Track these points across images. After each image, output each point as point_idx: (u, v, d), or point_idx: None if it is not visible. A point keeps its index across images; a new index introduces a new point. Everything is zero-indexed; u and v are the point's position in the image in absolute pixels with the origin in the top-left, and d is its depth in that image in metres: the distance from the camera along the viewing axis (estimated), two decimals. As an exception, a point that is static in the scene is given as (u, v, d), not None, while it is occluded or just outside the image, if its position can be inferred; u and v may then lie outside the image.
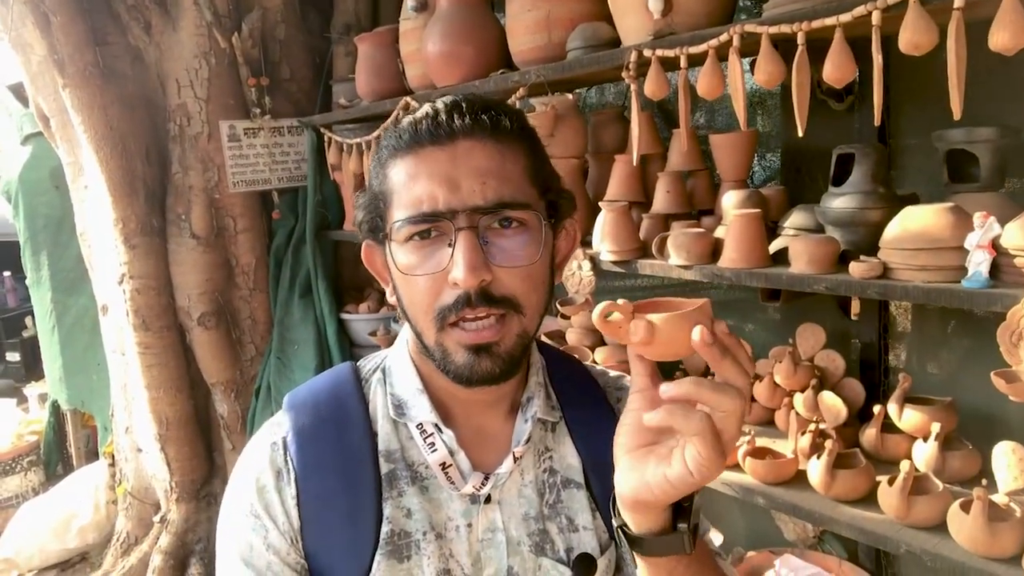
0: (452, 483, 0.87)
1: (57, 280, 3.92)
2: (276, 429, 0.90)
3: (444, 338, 0.81)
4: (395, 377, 0.92)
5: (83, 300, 3.76)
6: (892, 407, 1.66)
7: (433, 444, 0.87)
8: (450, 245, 0.78)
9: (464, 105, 0.81)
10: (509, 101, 2.08)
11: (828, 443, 1.58)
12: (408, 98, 2.43)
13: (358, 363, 0.98)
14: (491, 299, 0.78)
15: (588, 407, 0.96)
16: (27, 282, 4.08)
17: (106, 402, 3.61)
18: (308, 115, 3.11)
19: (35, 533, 3.57)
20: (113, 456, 3.56)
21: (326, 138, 2.90)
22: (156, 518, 3.24)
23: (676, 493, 0.68)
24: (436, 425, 0.88)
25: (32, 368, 5.84)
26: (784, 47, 1.47)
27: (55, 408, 4.25)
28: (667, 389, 0.66)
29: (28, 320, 5.85)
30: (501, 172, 0.79)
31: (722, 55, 1.57)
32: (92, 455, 4.20)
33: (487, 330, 0.79)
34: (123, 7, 2.91)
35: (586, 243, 2.06)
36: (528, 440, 0.90)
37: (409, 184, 0.80)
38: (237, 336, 3.17)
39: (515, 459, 0.88)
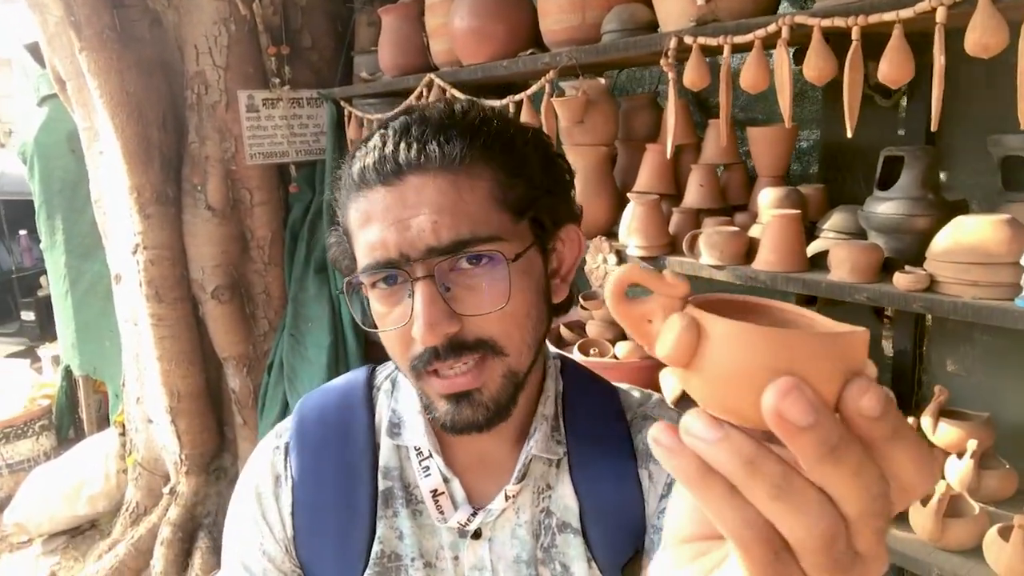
0: (441, 513, 0.82)
1: (72, 245, 3.88)
2: (282, 434, 0.88)
3: (424, 386, 0.76)
4: (401, 392, 0.87)
5: (97, 266, 3.72)
6: (926, 420, 1.60)
7: (428, 468, 0.83)
8: (410, 296, 0.71)
9: (414, 130, 0.72)
10: (538, 83, 2.00)
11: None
12: (432, 75, 2.35)
13: (376, 368, 0.94)
14: (462, 346, 0.71)
15: (601, 444, 0.86)
16: (41, 246, 4.05)
17: (118, 370, 3.59)
18: (328, 86, 3.03)
19: (46, 499, 3.58)
20: (123, 425, 3.54)
21: (346, 112, 2.83)
22: (165, 490, 3.23)
23: None
24: (430, 450, 0.83)
25: (47, 328, 5.84)
26: (834, 40, 1.39)
27: (67, 373, 4.24)
28: (690, 438, 0.34)
29: (43, 280, 5.83)
30: (456, 208, 0.70)
31: (767, 45, 1.49)
32: (104, 421, 4.20)
33: (463, 377, 0.72)
34: (142, -32, 2.84)
35: (612, 235, 1.99)
36: (523, 478, 0.83)
37: (363, 227, 0.73)
38: (251, 311, 3.13)
39: (507, 498, 0.82)
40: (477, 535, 0.83)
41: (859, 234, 1.56)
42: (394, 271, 0.71)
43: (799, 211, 1.57)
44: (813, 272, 1.53)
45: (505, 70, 2.11)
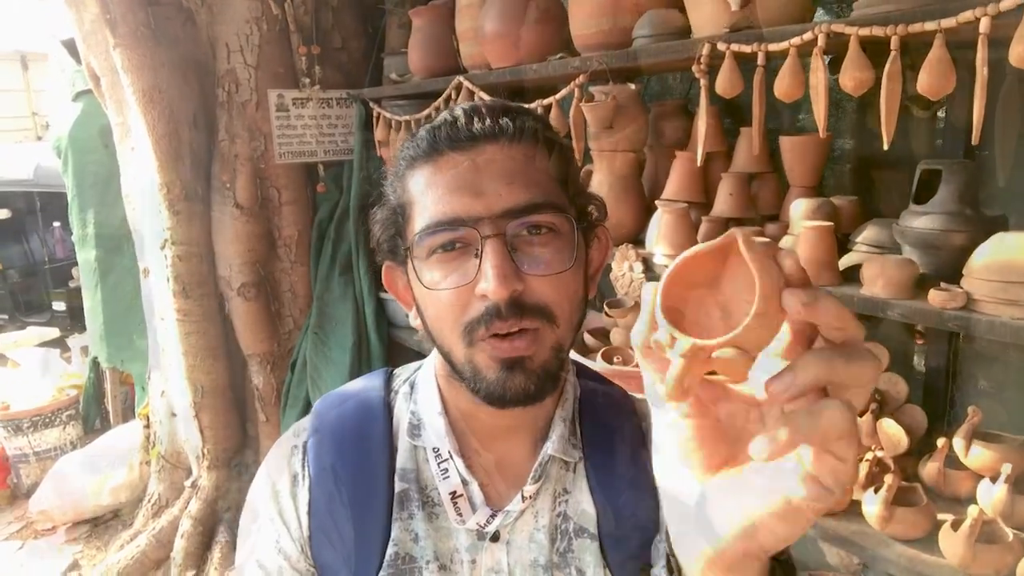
0: (459, 515, 0.82)
1: (102, 239, 3.94)
2: (300, 433, 0.89)
3: (474, 354, 0.74)
4: (419, 394, 0.88)
5: (126, 260, 3.76)
6: (958, 442, 1.55)
7: (447, 471, 0.83)
8: (476, 256, 0.72)
9: (484, 109, 0.77)
10: (568, 88, 1.98)
11: (888, 478, 1.48)
12: (461, 78, 2.34)
13: (394, 371, 0.94)
14: (523, 309, 0.72)
15: (616, 449, 0.86)
16: (73, 238, 4.11)
17: (144, 363, 3.63)
18: (358, 87, 3.04)
19: (70, 488, 3.62)
20: (148, 418, 3.58)
21: (375, 113, 2.83)
22: (187, 483, 3.25)
23: (797, 530, 0.46)
24: (449, 451, 0.83)
25: (77, 318, 5.92)
26: (871, 48, 1.35)
27: (95, 364, 4.30)
28: (784, 386, 0.43)
29: (75, 271, 5.92)
30: (527, 175, 0.74)
31: (802, 53, 1.46)
32: (129, 412, 4.25)
33: (520, 341, 0.72)
34: (177, -34, 2.86)
35: (639, 242, 1.96)
36: (540, 478, 0.83)
37: (429, 193, 0.75)
38: (276, 308, 3.14)
39: (523, 498, 0.82)
40: (495, 538, 0.82)
41: (894, 249, 1.53)
42: (463, 230, 0.72)
43: (832, 223, 1.53)
44: (845, 286, 1.50)
45: (535, 74, 2.09)
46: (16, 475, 4.11)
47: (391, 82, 2.83)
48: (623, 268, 1.90)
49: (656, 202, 1.85)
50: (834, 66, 1.42)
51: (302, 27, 2.94)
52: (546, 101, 2.07)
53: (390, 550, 0.81)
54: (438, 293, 0.74)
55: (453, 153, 0.74)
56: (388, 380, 0.92)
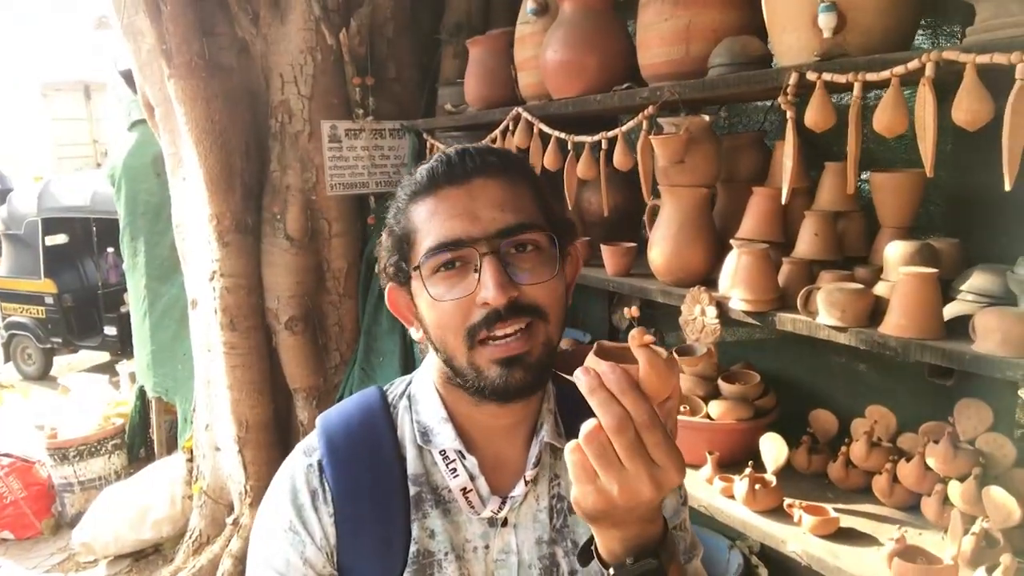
0: (472, 507, 0.93)
1: (152, 267, 3.93)
2: (311, 452, 0.96)
3: (475, 356, 0.86)
4: (420, 405, 0.97)
5: (175, 290, 3.75)
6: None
7: (455, 470, 0.93)
8: (476, 271, 0.84)
9: (473, 151, 0.90)
10: (636, 119, 1.87)
11: (1006, 558, 1.31)
12: (519, 109, 2.25)
13: (384, 388, 1.03)
14: (520, 309, 0.84)
15: None
16: (123, 267, 4.11)
17: (189, 394, 3.58)
18: (411, 118, 2.98)
19: (113, 520, 3.58)
20: (191, 451, 3.52)
21: (428, 144, 2.76)
22: (229, 520, 3.17)
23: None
24: (459, 452, 0.93)
25: (127, 343, 5.96)
26: (984, 76, 1.21)
27: (142, 393, 4.28)
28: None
29: (127, 296, 5.97)
30: (515, 202, 0.88)
31: (904, 83, 1.32)
32: (174, 443, 4.21)
33: (516, 342, 0.84)
34: (233, -3, 2.84)
35: (710, 282, 1.83)
36: (538, 463, 0.95)
37: (432, 221, 0.87)
38: (323, 342, 3.07)
39: (526, 483, 0.94)
40: (505, 523, 0.94)
41: (1005, 299, 1.37)
42: (464, 249, 0.85)
43: (935, 270, 1.38)
44: (952, 341, 1.34)
45: (599, 104, 1.99)
46: (61, 504, 4.09)
47: (445, 113, 2.76)
48: (694, 312, 1.76)
49: (732, 241, 1.72)
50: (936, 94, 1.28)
51: (356, 58, 2.89)
52: (611, 133, 1.96)
53: (412, 548, 0.91)
54: (443, 304, 0.85)
55: (450, 187, 0.87)
56: (383, 396, 1.00)
